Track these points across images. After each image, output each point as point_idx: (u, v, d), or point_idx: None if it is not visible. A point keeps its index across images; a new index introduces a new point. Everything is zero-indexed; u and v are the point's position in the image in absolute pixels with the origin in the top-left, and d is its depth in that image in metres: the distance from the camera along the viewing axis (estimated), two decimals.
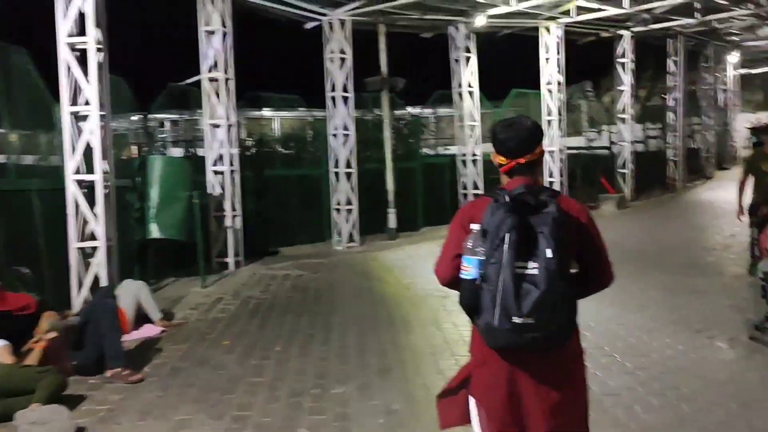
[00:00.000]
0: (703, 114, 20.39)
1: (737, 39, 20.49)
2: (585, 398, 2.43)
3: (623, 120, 16.45)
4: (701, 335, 5.87)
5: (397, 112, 14.19)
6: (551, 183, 14.94)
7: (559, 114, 14.80)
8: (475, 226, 2.24)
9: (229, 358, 5.60)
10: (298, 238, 12.27)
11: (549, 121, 14.92)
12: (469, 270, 2.19)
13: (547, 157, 14.86)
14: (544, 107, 14.95)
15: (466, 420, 2.44)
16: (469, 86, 13.56)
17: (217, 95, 9.82)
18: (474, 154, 13.65)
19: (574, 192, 15.33)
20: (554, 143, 14.80)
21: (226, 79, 9.89)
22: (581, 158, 16.51)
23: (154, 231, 8.01)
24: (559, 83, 14.77)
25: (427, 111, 16.05)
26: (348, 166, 11.99)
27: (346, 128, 11.96)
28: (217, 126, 9.84)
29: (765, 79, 37.11)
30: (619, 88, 16.45)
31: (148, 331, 6.42)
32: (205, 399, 4.69)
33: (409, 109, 14.12)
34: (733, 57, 22.65)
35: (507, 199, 2.18)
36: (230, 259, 9.88)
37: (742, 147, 26.12)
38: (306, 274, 9.35)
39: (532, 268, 2.09)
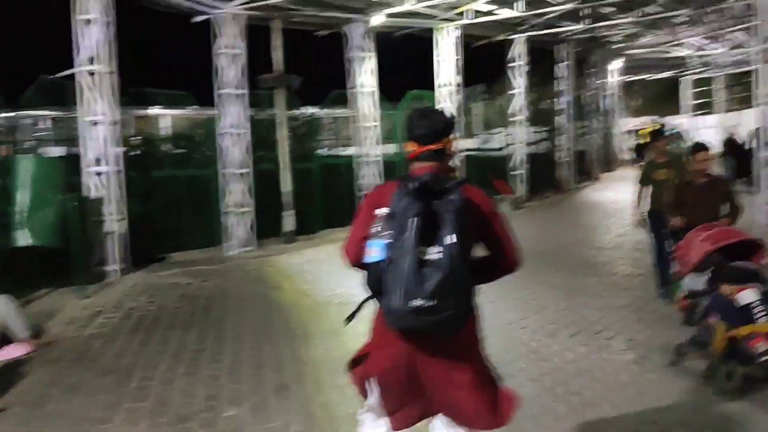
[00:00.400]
0: (589, 118, 21.24)
1: (621, 46, 21.53)
2: (485, 381, 2.50)
3: (516, 123, 16.78)
4: (599, 336, 5.89)
5: (295, 113, 13.77)
6: None
7: (456, 116, 14.86)
8: (381, 211, 2.29)
9: (106, 381, 5.03)
10: (189, 243, 11.58)
11: None
12: (374, 253, 2.26)
13: None
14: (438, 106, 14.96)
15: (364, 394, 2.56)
16: (367, 86, 13.34)
17: (98, 90, 9.04)
18: (373, 155, 13.45)
19: None
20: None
21: (109, 73, 9.13)
22: (476, 160, 16.68)
23: (22, 238, 7.22)
24: (457, 85, 14.84)
25: (324, 111, 15.74)
26: (242, 166, 11.45)
27: (240, 127, 11.42)
28: (97, 123, 9.05)
29: (643, 86, 39.62)
30: (512, 91, 16.78)
31: (13, 351, 5.70)
32: None
33: (306, 110, 13.67)
34: (617, 63, 23.78)
35: (413, 185, 2.24)
36: (113, 267, 9.13)
37: (625, 149, 27.64)
38: (196, 282, 8.77)
39: (436, 252, 2.17)
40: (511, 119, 16.87)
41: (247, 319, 6.80)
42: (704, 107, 36.19)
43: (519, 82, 16.73)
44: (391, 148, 14.69)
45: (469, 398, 2.43)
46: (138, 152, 11.75)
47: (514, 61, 16.77)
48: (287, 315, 6.93)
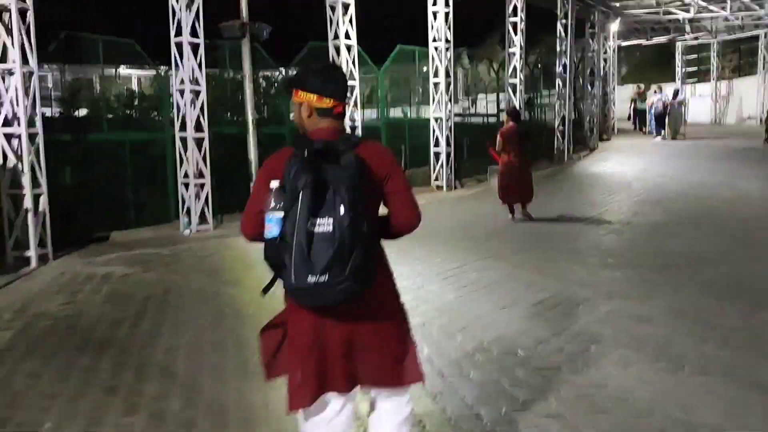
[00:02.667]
0: (585, 83, 19.62)
1: (618, 5, 19.87)
2: (403, 347, 2.41)
3: (513, 86, 15.11)
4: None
5: (267, 73, 11.94)
6: (437, 154, 13.35)
7: (447, 76, 13.15)
8: (275, 183, 2.15)
9: None
10: (137, 220, 9.85)
11: (436, 84, 13.24)
12: (270, 228, 2.12)
13: (433, 124, 13.23)
14: (431, 67, 13.24)
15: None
16: (348, 38, 11.54)
17: (7, 30, 7.17)
18: (351, 120, 11.73)
19: (462, 164, 13.85)
20: (441, 109, 13.16)
21: (22, 11, 7.25)
22: (466, 127, 15.01)
23: None
24: (447, 41, 13.08)
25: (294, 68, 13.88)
26: (198, 129, 9.68)
27: (195, 82, 9.61)
28: (6, 74, 7.21)
29: (629, 54, 38.16)
30: (510, 50, 15.07)
31: None
32: None
33: (278, 71, 11.80)
34: (615, 25, 22.12)
35: (305, 154, 2.15)
36: (32, 252, 7.39)
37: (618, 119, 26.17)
38: (135, 272, 7.06)
39: (327, 224, 2.05)
40: (508, 81, 15.17)
41: (188, 336, 5.10)
42: (696, 75, 34.96)
43: (516, 40, 15.01)
44: (372, 114, 13.01)
45: (389, 355, 2.36)
46: (72, 112, 9.92)
47: (512, 17, 15.03)
48: (244, 330, 5.22)
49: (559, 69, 17.42)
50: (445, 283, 6.39)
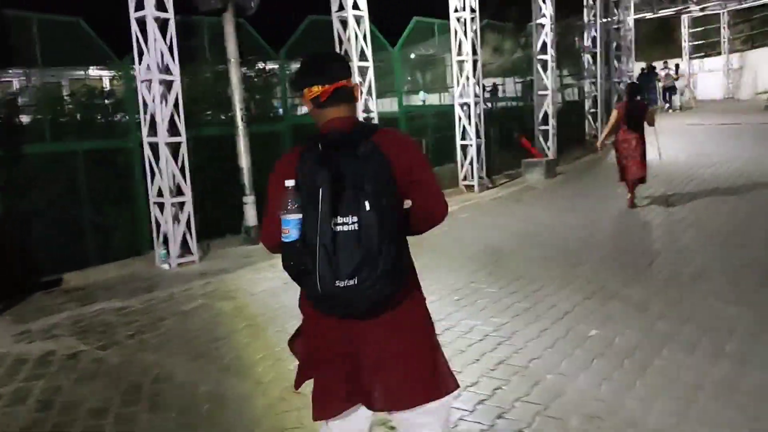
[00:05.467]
0: (614, 58, 17.39)
1: None
2: (430, 354, 2.11)
3: (543, 63, 12.86)
4: None
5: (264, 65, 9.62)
6: (465, 148, 11.10)
7: (474, 52, 10.89)
8: (290, 182, 1.92)
9: None
10: (99, 254, 7.56)
11: (461, 63, 10.98)
12: (288, 232, 1.91)
13: (458, 112, 10.97)
14: (454, 42, 10.97)
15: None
16: (356, 8, 9.23)
17: None
18: (366, 111, 9.46)
19: (490, 158, 11.60)
20: (468, 93, 10.91)
21: None
22: (491, 114, 12.74)
23: None
24: (472, 10, 10.80)
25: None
26: (173, 131, 7.39)
27: (166, 71, 7.32)
28: None
29: (636, 30, 36.08)
30: (539, 21, 12.80)
31: None
32: None
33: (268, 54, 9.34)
34: None
35: (318, 148, 1.95)
36: None
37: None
38: (88, 350, 4.77)
39: (352, 223, 1.84)
40: (537, 58, 12.91)
41: None
42: (702, 49, 33.04)
43: (547, 10, 12.75)
44: (388, 104, 10.74)
45: (417, 369, 2.05)
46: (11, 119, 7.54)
47: None
48: None
49: (587, 43, 15.21)
50: (566, 361, 4.14)
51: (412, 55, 11.42)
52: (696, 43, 32.85)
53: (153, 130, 7.37)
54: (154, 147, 7.39)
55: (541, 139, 12.93)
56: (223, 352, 4.58)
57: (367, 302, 1.88)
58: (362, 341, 2.02)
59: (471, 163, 11.03)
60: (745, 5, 30.30)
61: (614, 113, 9.05)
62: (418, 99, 12.02)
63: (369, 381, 2.03)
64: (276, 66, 9.53)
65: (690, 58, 32.14)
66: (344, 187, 1.86)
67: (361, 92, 9.19)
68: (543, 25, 12.72)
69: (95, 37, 7.52)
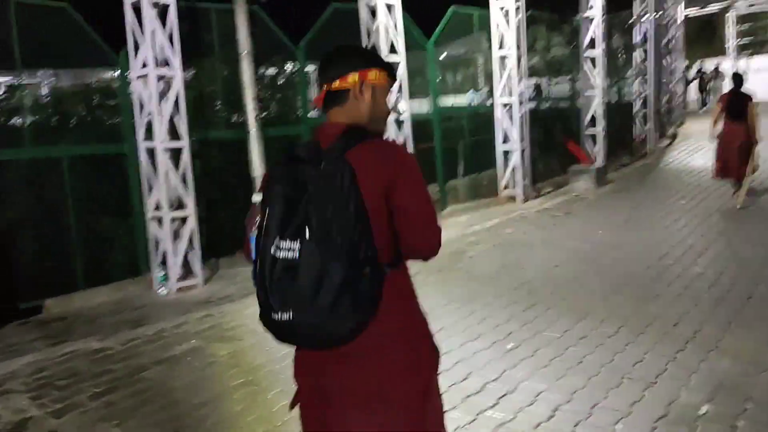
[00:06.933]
0: (666, 55, 16.00)
1: None
2: (406, 408, 1.75)
3: (592, 60, 11.59)
4: None
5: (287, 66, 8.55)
6: (506, 154, 9.92)
7: (518, 48, 9.70)
8: (257, 197, 1.83)
9: None
10: (89, 276, 6.55)
11: (503, 59, 9.81)
12: (251, 250, 1.80)
13: (498, 114, 9.80)
14: (495, 37, 9.80)
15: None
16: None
17: None
18: (399, 112, 8.34)
19: (533, 164, 10.38)
20: (512, 92, 9.73)
21: None
22: (534, 116, 11.50)
23: None
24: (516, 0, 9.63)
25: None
26: (174, 136, 6.38)
27: (166, 65, 6.30)
28: None
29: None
30: (586, 14, 11.54)
31: None
32: None
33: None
34: None
35: (282, 158, 1.77)
36: None
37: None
38: (38, 419, 3.71)
39: (293, 250, 1.62)
40: (584, 55, 11.65)
41: None
42: (751, 47, 31.39)
43: (596, 2, 11.49)
44: (424, 105, 9.60)
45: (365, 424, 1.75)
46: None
47: None
48: None
49: (638, 38, 13.90)
50: None
51: (448, 52, 10.22)
52: (742, 41, 31.24)
53: (150, 133, 6.37)
54: (150, 152, 6.39)
55: (588, 143, 11.67)
56: (207, 426, 3.49)
57: (310, 340, 1.69)
58: (321, 373, 1.80)
59: (513, 171, 9.84)
60: None
61: (717, 104, 8.91)
62: (465, 99, 10.82)
63: (336, 423, 1.79)
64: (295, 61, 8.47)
65: (736, 57, 30.55)
66: (296, 209, 1.65)
67: (391, 89, 8.06)
68: (592, 19, 11.46)
69: (85, 25, 6.51)
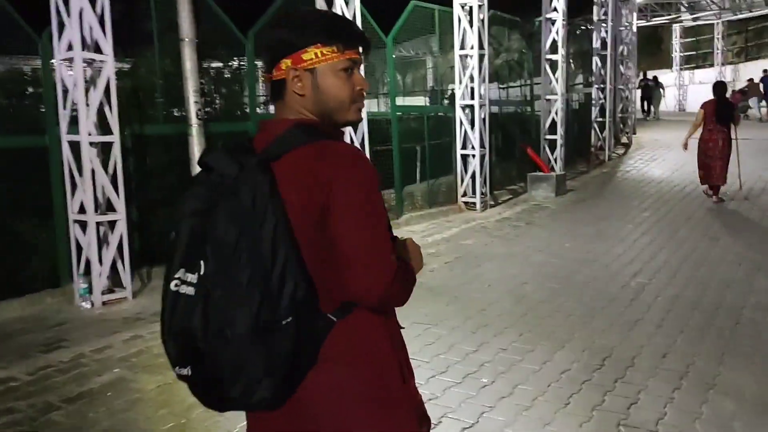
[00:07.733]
0: (621, 63, 15.86)
1: None
2: None
3: (553, 64, 11.25)
4: None
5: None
6: (466, 158, 9.46)
7: (481, 47, 9.24)
8: None
9: None
10: (4, 286, 5.73)
11: (462, 58, 9.34)
12: None
13: (459, 115, 9.33)
14: (457, 34, 9.31)
15: None
16: None
17: None
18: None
19: (491, 170, 9.95)
20: (472, 94, 9.26)
21: None
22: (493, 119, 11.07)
23: None
24: None
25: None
26: (103, 128, 5.63)
27: (95, 48, 5.55)
28: None
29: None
30: (548, 15, 11.19)
31: None
32: None
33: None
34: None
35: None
36: None
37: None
38: None
39: (190, 284, 1.27)
40: (545, 58, 11.30)
41: None
42: (693, 60, 32.12)
43: (559, 4, 11.16)
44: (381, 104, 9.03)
45: None
46: None
47: None
48: None
49: (596, 44, 13.68)
50: None
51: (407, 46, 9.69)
52: (686, 54, 31.88)
53: (75, 125, 5.60)
54: (75, 147, 5.61)
55: (547, 150, 11.33)
56: None
57: (229, 404, 1.33)
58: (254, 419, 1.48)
59: (473, 177, 9.37)
60: (740, 16, 29.33)
61: (700, 112, 9.08)
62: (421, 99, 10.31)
63: None
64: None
65: (680, 69, 31.17)
66: (203, 234, 1.27)
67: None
68: (554, 21, 11.13)
69: (6, 5, 5.69)
